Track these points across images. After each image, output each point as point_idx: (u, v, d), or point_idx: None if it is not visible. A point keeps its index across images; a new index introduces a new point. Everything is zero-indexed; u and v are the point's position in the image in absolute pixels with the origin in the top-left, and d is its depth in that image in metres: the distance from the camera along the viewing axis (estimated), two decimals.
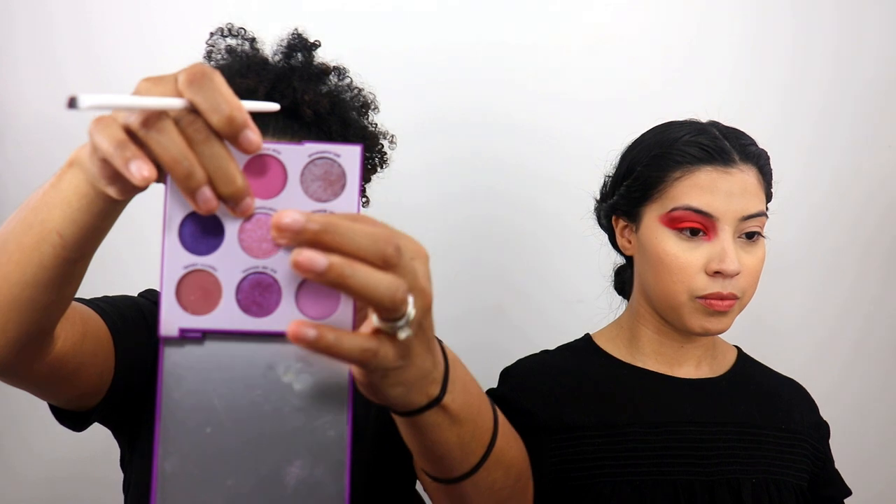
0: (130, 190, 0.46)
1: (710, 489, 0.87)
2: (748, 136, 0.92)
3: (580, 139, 1.36)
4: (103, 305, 0.78)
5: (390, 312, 0.42)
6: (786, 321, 1.42)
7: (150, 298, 0.89)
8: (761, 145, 0.93)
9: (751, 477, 0.89)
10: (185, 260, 0.44)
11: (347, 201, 0.44)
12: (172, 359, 0.44)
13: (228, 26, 0.91)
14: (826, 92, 1.42)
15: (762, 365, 1.02)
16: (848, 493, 0.98)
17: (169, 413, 0.43)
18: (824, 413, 1.01)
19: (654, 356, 0.96)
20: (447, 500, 0.63)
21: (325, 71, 0.90)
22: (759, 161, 0.90)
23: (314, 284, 0.44)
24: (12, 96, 1.29)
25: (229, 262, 0.44)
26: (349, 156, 0.45)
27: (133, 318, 0.80)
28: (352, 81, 0.94)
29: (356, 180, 0.44)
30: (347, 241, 0.40)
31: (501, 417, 0.63)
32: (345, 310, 0.44)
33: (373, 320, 0.43)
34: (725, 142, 0.88)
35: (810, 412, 0.99)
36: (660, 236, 0.88)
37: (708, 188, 0.86)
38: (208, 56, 0.90)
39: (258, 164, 0.44)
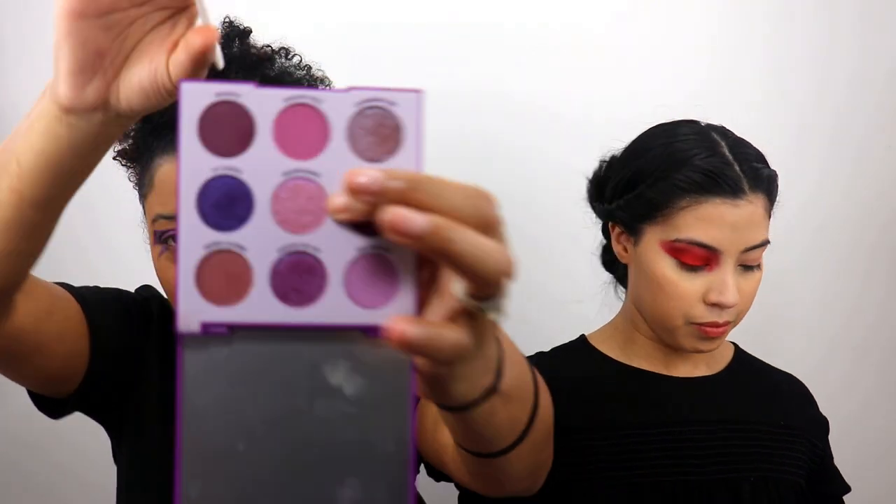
0: (84, 77, 0.42)
1: (708, 490, 0.86)
2: (758, 153, 0.87)
3: (580, 133, 1.28)
4: (83, 291, 0.74)
5: (492, 289, 0.34)
6: (793, 323, 1.37)
7: (144, 294, 0.86)
8: (759, 146, 0.88)
9: (749, 476, 0.87)
10: (206, 238, 0.35)
11: (407, 160, 0.36)
12: (194, 361, 0.35)
13: None
14: (837, 93, 1.34)
15: (760, 361, 0.99)
16: (847, 489, 0.96)
17: (192, 427, 0.35)
18: (832, 413, 0.98)
19: (649, 357, 0.93)
20: (489, 470, 0.56)
21: (264, 57, 0.83)
22: (769, 186, 0.85)
23: (367, 265, 0.36)
24: (10, 96, 1.25)
25: (261, 240, 0.35)
26: (407, 104, 0.36)
27: (115, 307, 0.77)
28: (301, 60, 0.87)
29: (417, 133, 0.36)
30: (443, 201, 0.32)
31: (535, 372, 0.56)
32: (405, 296, 0.36)
33: (453, 297, 0.35)
34: (735, 166, 0.83)
35: (809, 408, 0.97)
36: (660, 261, 0.84)
37: (715, 222, 0.81)
38: None
39: (293, 117, 0.36)
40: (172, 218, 0.71)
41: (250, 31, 0.85)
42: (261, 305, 0.35)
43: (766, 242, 0.84)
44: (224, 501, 0.35)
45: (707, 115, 0.91)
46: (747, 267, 0.85)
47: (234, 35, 0.83)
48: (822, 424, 0.97)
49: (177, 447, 0.35)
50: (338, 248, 0.35)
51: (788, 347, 1.34)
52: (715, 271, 0.83)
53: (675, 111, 0.91)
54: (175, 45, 0.43)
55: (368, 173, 0.32)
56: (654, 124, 0.92)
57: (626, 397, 0.90)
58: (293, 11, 1.26)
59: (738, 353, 0.98)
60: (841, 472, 0.97)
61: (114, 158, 0.82)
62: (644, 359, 0.93)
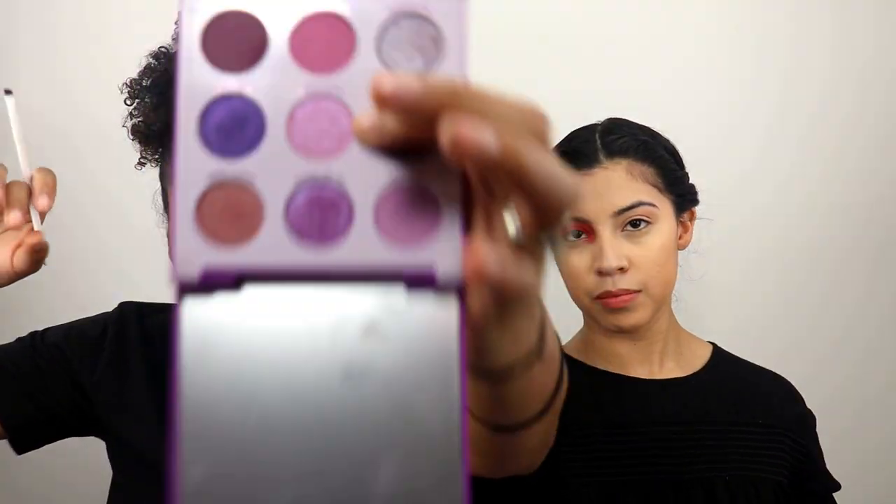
0: None
1: (681, 489, 0.86)
2: (630, 127, 0.90)
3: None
4: None
5: (555, 220, 0.28)
6: (798, 320, 1.35)
7: (123, 308, 0.92)
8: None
9: (724, 475, 0.87)
10: (209, 166, 0.29)
11: (448, 73, 0.30)
12: (194, 316, 0.29)
13: (163, 50, 0.85)
14: (843, 92, 1.34)
15: (741, 360, 0.99)
16: (836, 487, 0.94)
17: (193, 399, 0.29)
18: (828, 416, 0.98)
19: (609, 358, 0.94)
20: (505, 446, 0.48)
21: None
22: (632, 153, 0.87)
23: (403, 197, 0.29)
24: (20, 98, 1.26)
25: (274, 168, 0.29)
26: (448, 12, 0.30)
27: (32, 371, 0.84)
28: None
29: (459, 46, 0.30)
30: (493, 115, 0.27)
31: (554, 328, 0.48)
32: (450, 231, 0.29)
33: (504, 235, 0.29)
34: (589, 143, 0.88)
35: (792, 405, 0.96)
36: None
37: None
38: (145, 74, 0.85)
39: (313, 27, 0.30)
40: None
41: None
42: (275, 246, 0.29)
43: (641, 203, 0.85)
44: (232, 489, 0.28)
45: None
46: (635, 230, 0.85)
47: None
48: (808, 420, 0.96)
49: (174, 424, 0.28)
50: (366, 177, 0.29)
51: (791, 345, 1.32)
52: (595, 241, 0.85)
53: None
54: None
55: (400, 79, 0.27)
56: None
57: (592, 399, 0.90)
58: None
59: (718, 352, 0.98)
60: (849, 473, 0.95)
61: (129, 135, 0.82)
62: (603, 360, 0.94)
